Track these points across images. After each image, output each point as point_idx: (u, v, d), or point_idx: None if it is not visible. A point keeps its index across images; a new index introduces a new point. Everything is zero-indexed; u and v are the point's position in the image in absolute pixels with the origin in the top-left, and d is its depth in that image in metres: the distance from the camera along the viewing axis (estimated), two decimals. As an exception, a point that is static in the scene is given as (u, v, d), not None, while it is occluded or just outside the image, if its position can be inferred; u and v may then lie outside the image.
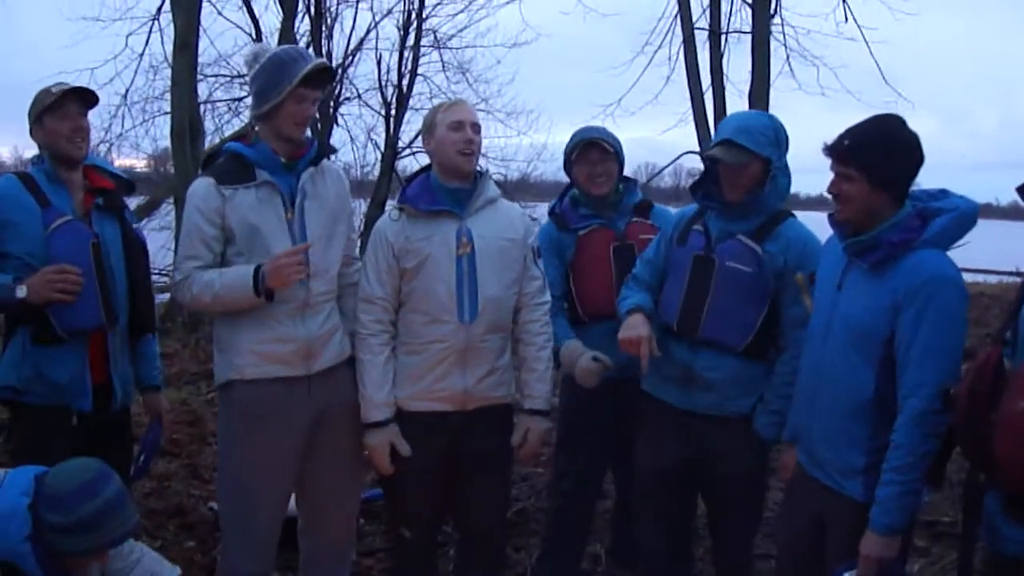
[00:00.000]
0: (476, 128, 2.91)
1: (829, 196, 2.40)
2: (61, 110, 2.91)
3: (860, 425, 2.34)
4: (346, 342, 3.00)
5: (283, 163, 2.84)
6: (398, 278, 2.89)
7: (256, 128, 2.92)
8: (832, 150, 2.32)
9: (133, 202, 3.16)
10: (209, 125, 13.57)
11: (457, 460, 2.97)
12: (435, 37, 16.01)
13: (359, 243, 3.31)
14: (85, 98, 2.98)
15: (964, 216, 2.29)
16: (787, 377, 2.72)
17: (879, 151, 2.28)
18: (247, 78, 2.92)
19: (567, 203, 3.43)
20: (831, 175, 2.36)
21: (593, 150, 3.29)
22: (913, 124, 2.29)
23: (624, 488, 3.61)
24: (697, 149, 10.65)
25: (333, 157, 3.30)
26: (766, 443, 2.85)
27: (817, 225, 2.78)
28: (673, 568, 3.16)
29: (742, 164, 2.70)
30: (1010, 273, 16.40)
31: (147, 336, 3.25)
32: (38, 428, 2.89)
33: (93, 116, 3.15)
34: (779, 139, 2.76)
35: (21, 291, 2.73)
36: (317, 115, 13.77)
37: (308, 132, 3.04)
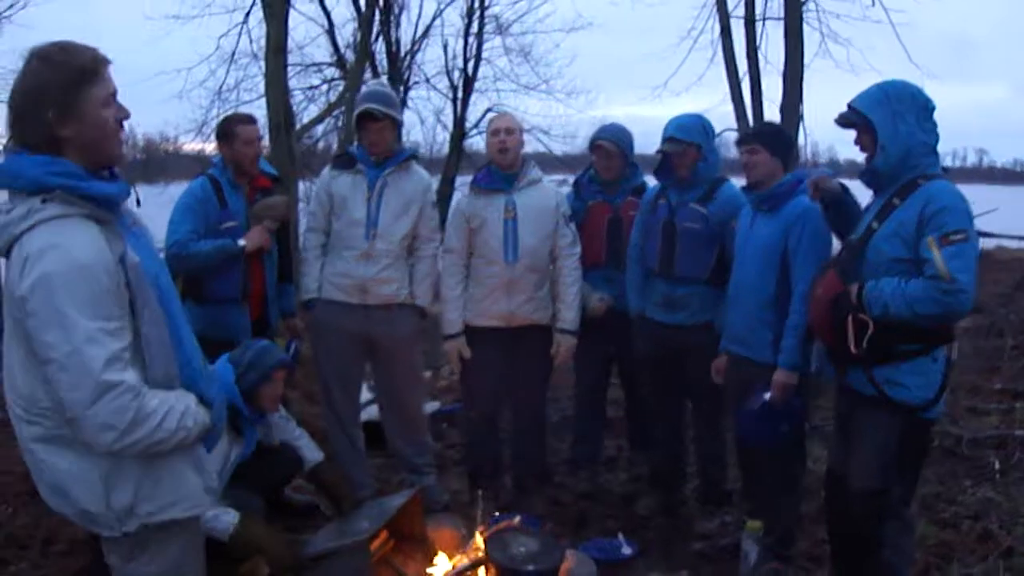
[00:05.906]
0: (508, 131, 4.16)
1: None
2: (250, 138, 4.10)
3: (767, 312, 3.55)
4: (403, 290, 4.09)
5: (373, 161, 4.10)
6: (468, 233, 4.18)
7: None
8: (743, 139, 3.68)
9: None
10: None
11: (508, 361, 4.24)
12: (497, 23, 17.01)
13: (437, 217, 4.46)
14: (256, 123, 4.23)
15: None
16: None
17: (773, 132, 3.78)
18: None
19: (586, 177, 4.49)
20: None
21: (600, 150, 4.34)
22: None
23: (631, 399, 4.79)
24: (735, 127, 11.49)
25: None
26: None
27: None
28: (672, 430, 4.34)
29: (682, 151, 3.91)
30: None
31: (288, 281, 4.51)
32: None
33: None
34: (706, 131, 3.98)
35: (240, 242, 3.97)
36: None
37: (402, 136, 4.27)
